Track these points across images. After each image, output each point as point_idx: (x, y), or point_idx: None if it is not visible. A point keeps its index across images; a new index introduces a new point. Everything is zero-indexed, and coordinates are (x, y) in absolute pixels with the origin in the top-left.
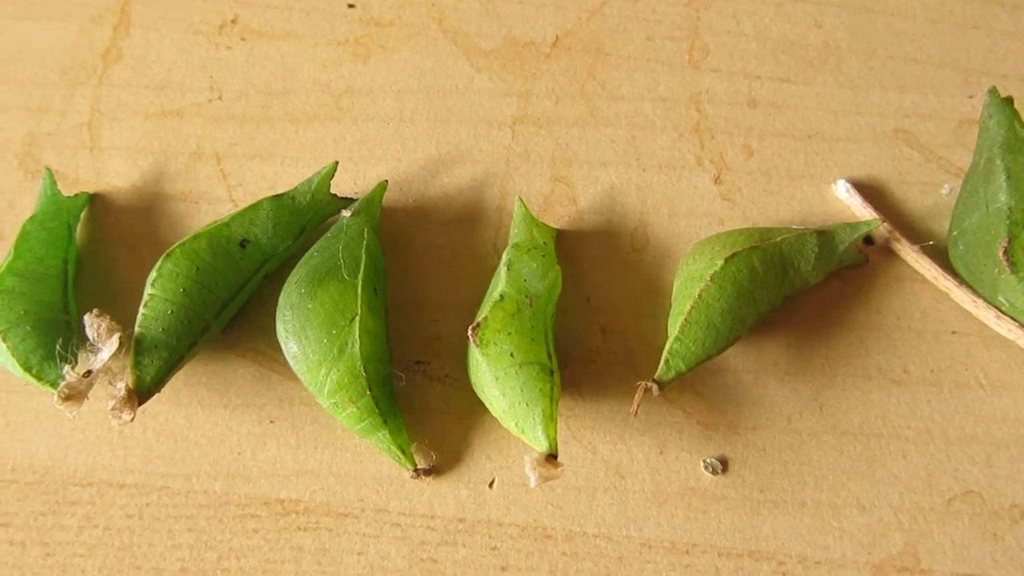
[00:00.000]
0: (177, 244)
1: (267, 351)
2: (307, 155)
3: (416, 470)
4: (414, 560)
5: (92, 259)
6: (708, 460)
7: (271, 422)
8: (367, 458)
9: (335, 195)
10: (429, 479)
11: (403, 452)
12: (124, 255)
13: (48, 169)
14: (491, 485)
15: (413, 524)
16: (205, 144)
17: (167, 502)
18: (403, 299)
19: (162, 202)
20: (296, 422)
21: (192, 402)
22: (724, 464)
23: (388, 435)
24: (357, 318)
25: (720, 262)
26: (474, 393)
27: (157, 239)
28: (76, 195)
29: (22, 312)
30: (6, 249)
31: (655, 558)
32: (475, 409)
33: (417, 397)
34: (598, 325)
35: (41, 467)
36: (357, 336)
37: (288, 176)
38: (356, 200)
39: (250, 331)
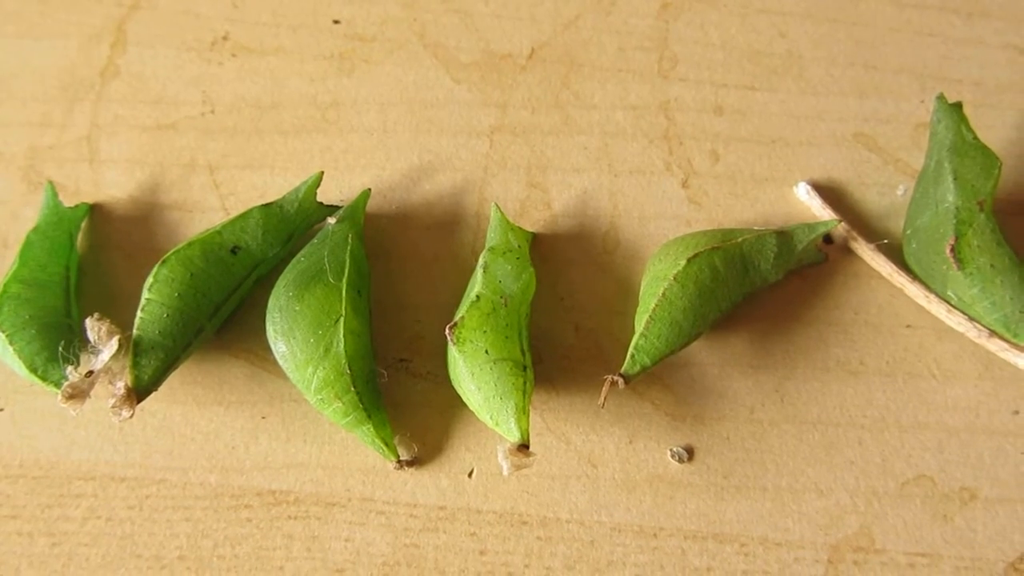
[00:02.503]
0: (172, 251)
1: (258, 351)
2: (295, 165)
3: (399, 461)
4: (398, 546)
5: (92, 266)
6: (675, 449)
7: (263, 418)
8: (353, 451)
9: (321, 203)
10: (411, 470)
11: (386, 445)
12: (122, 262)
13: (50, 181)
14: (470, 475)
15: (397, 512)
16: (198, 156)
17: (165, 494)
18: (386, 301)
19: (158, 211)
20: (286, 418)
21: (188, 400)
22: (690, 452)
23: (372, 429)
24: (341, 319)
25: (683, 262)
26: (453, 389)
27: (153, 247)
28: (77, 206)
29: (27, 317)
30: (10, 258)
31: (625, 541)
32: (455, 404)
33: (400, 393)
34: (572, 323)
35: (46, 462)
36: (342, 336)
37: (277, 185)
38: (341, 207)
39: (242, 332)
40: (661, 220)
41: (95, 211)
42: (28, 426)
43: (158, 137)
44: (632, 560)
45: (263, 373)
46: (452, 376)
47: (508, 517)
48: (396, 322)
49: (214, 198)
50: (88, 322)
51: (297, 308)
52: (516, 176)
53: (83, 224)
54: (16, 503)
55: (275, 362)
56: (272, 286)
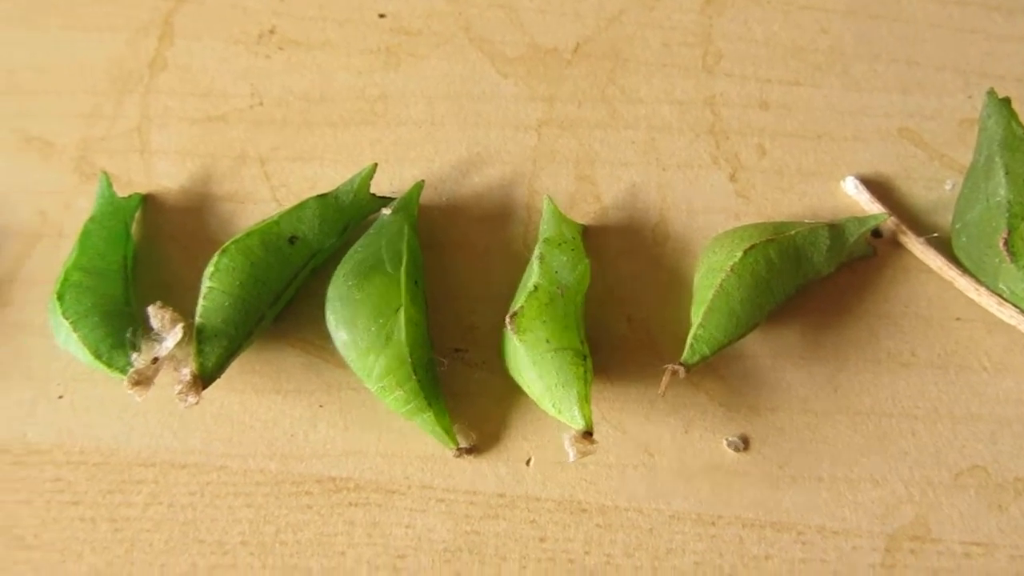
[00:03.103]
0: (232, 241)
1: (315, 340)
2: (345, 157)
3: (459, 449)
4: (458, 532)
5: (146, 255)
6: (731, 438)
7: (320, 406)
8: (411, 439)
9: (374, 194)
10: (470, 458)
11: (446, 432)
12: (176, 252)
13: (104, 172)
14: (528, 463)
15: (456, 499)
16: (249, 147)
17: (226, 480)
18: (439, 292)
19: (211, 202)
20: (344, 406)
21: (246, 388)
22: (746, 442)
23: (432, 416)
24: (402, 308)
25: (739, 254)
26: (510, 378)
27: (207, 237)
28: (130, 196)
29: (89, 305)
30: (66, 247)
31: (683, 529)
32: (510, 393)
33: (456, 382)
34: (623, 314)
35: (107, 449)
36: (402, 324)
37: (328, 177)
38: (394, 199)
39: (298, 322)
40: (710, 214)
41: (148, 201)
42: (87, 413)
43: (208, 129)
44: (691, 548)
45: (319, 362)
46: (510, 366)
47: (567, 505)
48: (450, 312)
49: (265, 189)
50: (151, 310)
51: (358, 297)
52: (565, 169)
53: (136, 214)
54: (77, 489)
55: (331, 351)
56: (328, 276)
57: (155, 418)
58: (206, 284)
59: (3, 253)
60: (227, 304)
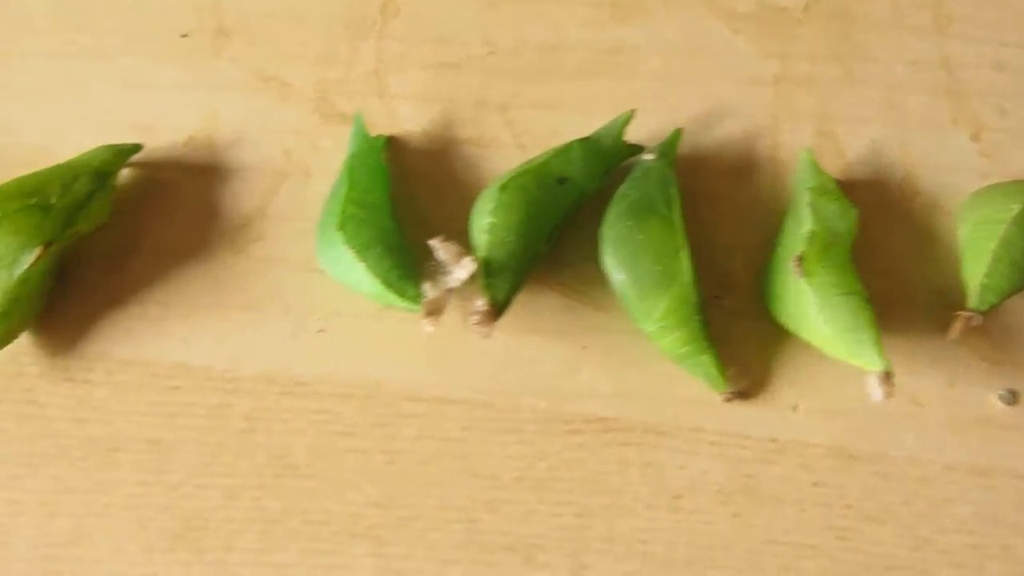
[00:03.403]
0: (509, 178)
1: (573, 284)
2: (584, 107)
3: (729, 393)
4: (733, 475)
5: (395, 195)
6: (1002, 392)
7: (583, 348)
8: (676, 382)
9: (626, 142)
10: (738, 403)
11: (720, 375)
12: (423, 192)
13: (358, 113)
14: (795, 409)
15: (728, 443)
16: (488, 95)
17: (495, 417)
18: (693, 240)
19: (454, 146)
20: (607, 348)
21: (506, 328)
22: (1015, 396)
23: (709, 359)
24: (682, 250)
25: (1016, 207)
26: (772, 325)
27: (455, 179)
28: (377, 136)
29: (369, 237)
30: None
31: (958, 479)
32: (772, 339)
33: (715, 329)
34: (878, 267)
35: (372, 384)
36: (685, 266)
37: (571, 126)
38: (651, 146)
39: (555, 266)
40: (956, 172)
41: (391, 144)
42: (348, 348)
43: (444, 76)
44: (968, 498)
45: (579, 305)
46: (785, 312)
47: (838, 452)
48: (705, 260)
49: (508, 135)
50: (435, 243)
51: (639, 237)
52: (804, 125)
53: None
54: (348, 421)
55: (591, 295)
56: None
57: (418, 355)
58: (486, 219)
59: (252, 190)
60: (510, 239)
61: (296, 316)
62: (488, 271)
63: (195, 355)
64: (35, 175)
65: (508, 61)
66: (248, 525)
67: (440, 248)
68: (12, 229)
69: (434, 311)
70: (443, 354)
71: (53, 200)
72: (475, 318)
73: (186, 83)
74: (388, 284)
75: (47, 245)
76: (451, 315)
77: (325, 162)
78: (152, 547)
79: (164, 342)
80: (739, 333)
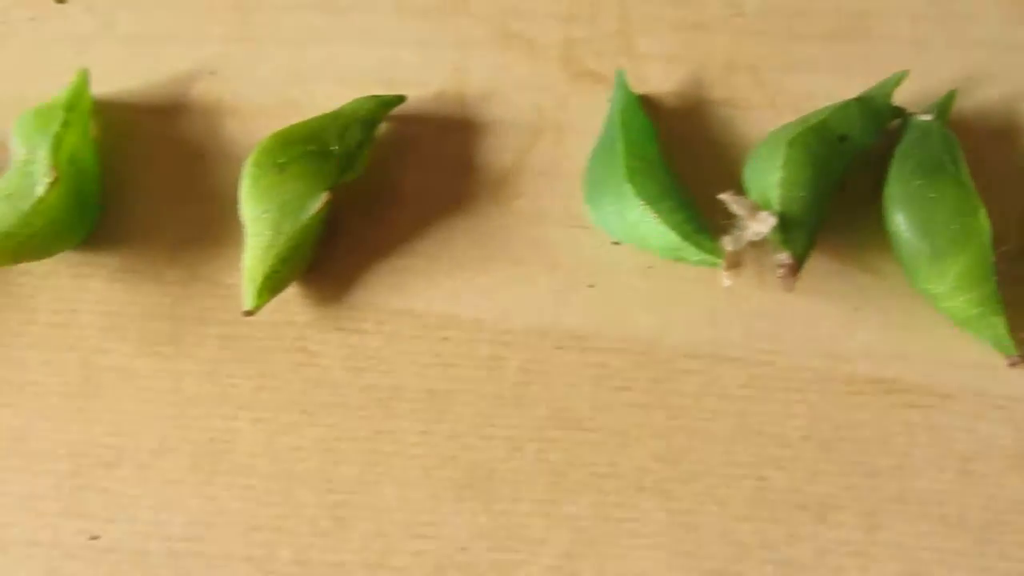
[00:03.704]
0: (795, 133)
1: (841, 247)
2: (837, 70)
3: (1017, 357)
4: (1022, 440)
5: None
6: None
7: (855, 310)
8: (953, 345)
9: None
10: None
11: (1010, 338)
12: (677, 152)
13: (619, 70)
14: None
15: (1016, 407)
16: (736, 56)
17: (774, 375)
18: None
19: (705, 107)
20: (880, 310)
21: (779, 289)
22: None
23: (1001, 321)
24: (980, 207)
25: None
26: None
27: (708, 139)
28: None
29: (657, 191)
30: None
31: None
32: None
33: None
34: None
35: (646, 339)
36: (983, 224)
37: (825, 88)
38: (904, 109)
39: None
40: None
41: (643, 103)
42: (619, 304)
43: (691, 37)
44: None
45: (848, 269)
46: None
47: None
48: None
49: (760, 97)
50: (727, 197)
51: (931, 196)
52: None
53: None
54: (626, 376)
55: (860, 258)
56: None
57: (691, 311)
58: (776, 175)
59: (506, 145)
60: (802, 194)
61: (564, 271)
62: (785, 226)
63: (464, 307)
64: (307, 123)
65: (754, 23)
66: (534, 476)
67: (734, 202)
68: (297, 174)
69: (735, 264)
70: (716, 312)
71: (333, 147)
72: (780, 271)
73: (430, 38)
74: (685, 236)
75: (331, 191)
76: (714, 274)
77: (577, 119)
78: (439, 496)
79: (432, 294)
80: (1016, 297)
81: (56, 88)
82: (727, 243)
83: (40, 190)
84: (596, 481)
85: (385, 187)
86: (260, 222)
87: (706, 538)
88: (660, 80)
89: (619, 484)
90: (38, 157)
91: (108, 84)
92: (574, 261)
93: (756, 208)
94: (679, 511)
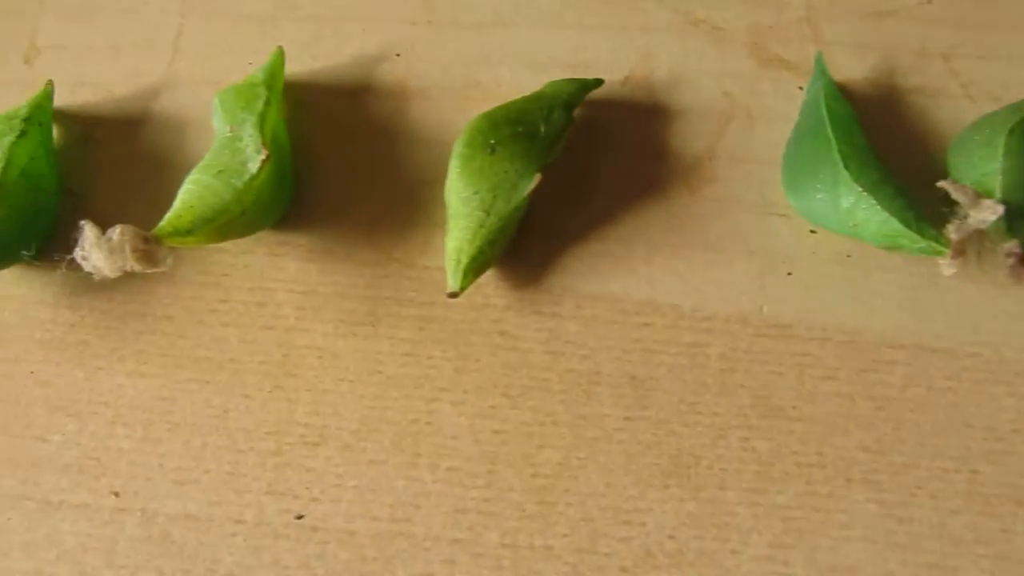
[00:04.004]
0: (1014, 123)
1: None
2: None
3: None
4: None
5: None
6: None
7: None
8: None
9: None
10: None
11: None
12: (873, 140)
13: (819, 53)
14: None
15: None
16: (928, 44)
17: (982, 368)
18: None
19: (898, 95)
20: None
21: (979, 280)
22: None
23: None
24: None
25: None
26: None
27: (903, 128)
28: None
29: (875, 177)
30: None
31: None
32: None
33: None
34: None
35: (849, 328)
36: None
37: (1019, 78)
38: None
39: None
40: None
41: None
42: (819, 292)
43: (879, 23)
44: None
45: None
46: None
47: None
48: None
49: (955, 86)
50: (948, 185)
51: None
52: None
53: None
54: (828, 365)
55: None
56: None
57: (893, 301)
58: (996, 163)
59: (697, 131)
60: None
61: (761, 258)
62: (1011, 215)
63: (661, 293)
64: (513, 104)
65: (945, 11)
66: (740, 465)
67: (956, 190)
68: (507, 155)
69: (960, 252)
70: (919, 303)
71: (540, 128)
72: (1010, 261)
73: (615, 23)
74: (906, 224)
75: (540, 172)
76: (920, 262)
77: (767, 105)
78: (644, 482)
79: (629, 279)
80: None
81: (241, 67)
82: (952, 231)
83: (253, 167)
84: (803, 471)
85: (578, 171)
86: (470, 203)
87: (919, 531)
88: (849, 67)
89: (827, 474)
90: (245, 134)
91: (292, 64)
92: (770, 248)
93: (978, 196)
94: (891, 503)
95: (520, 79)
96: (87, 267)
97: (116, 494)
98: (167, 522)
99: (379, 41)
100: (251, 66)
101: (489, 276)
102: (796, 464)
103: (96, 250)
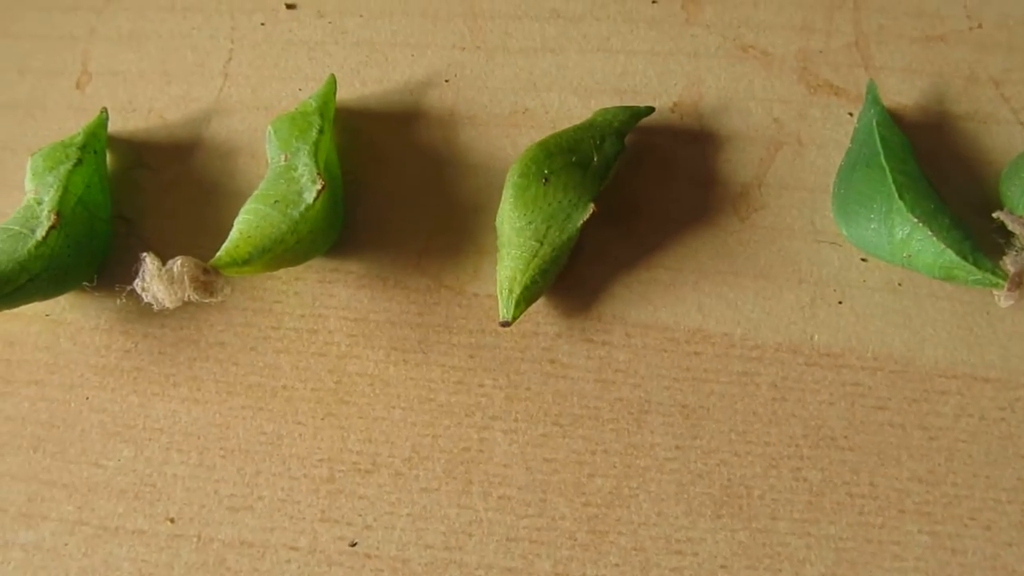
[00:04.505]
0: None
1: None
2: None
3: None
4: None
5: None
6: None
7: None
8: None
9: None
10: None
11: None
12: (924, 166)
13: (871, 80)
14: None
15: None
16: (978, 69)
17: None
18: None
19: (948, 121)
20: None
21: None
22: None
23: None
24: None
25: None
26: None
27: (954, 154)
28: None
29: (931, 207)
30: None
31: None
32: None
33: None
34: None
35: (900, 357)
36: None
37: None
38: None
39: None
40: None
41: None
42: (870, 320)
43: (929, 48)
44: None
45: None
46: None
47: None
48: None
49: (1006, 111)
50: (1005, 215)
51: None
52: None
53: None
54: (880, 394)
55: None
56: None
57: (945, 330)
58: None
59: (746, 158)
60: None
61: (811, 286)
62: None
63: (711, 321)
64: (565, 133)
65: (995, 35)
66: (792, 495)
67: (1013, 221)
68: (561, 185)
69: (1019, 284)
70: (972, 332)
71: (592, 157)
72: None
73: (663, 49)
74: (963, 255)
75: (595, 202)
76: (972, 291)
77: (817, 132)
78: (695, 512)
79: (678, 307)
80: None
81: (291, 93)
82: (1008, 263)
83: (309, 197)
84: (855, 501)
85: (627, 198)
86: (524, 233)
87: (973, 562)
88: (899, 93)
89: (879, 505)
90: (300, 163)
91: (341, 90)
92: (821, 276)
93: None
94: (943, 534)
95: (568, 105)
96: (147, 298)
97: (172, 520)
98: (222, 548)
99: (428, 67)
100: (301, 92)
101: (539, 304)
102: (848, 494)
103: (157, 281)
